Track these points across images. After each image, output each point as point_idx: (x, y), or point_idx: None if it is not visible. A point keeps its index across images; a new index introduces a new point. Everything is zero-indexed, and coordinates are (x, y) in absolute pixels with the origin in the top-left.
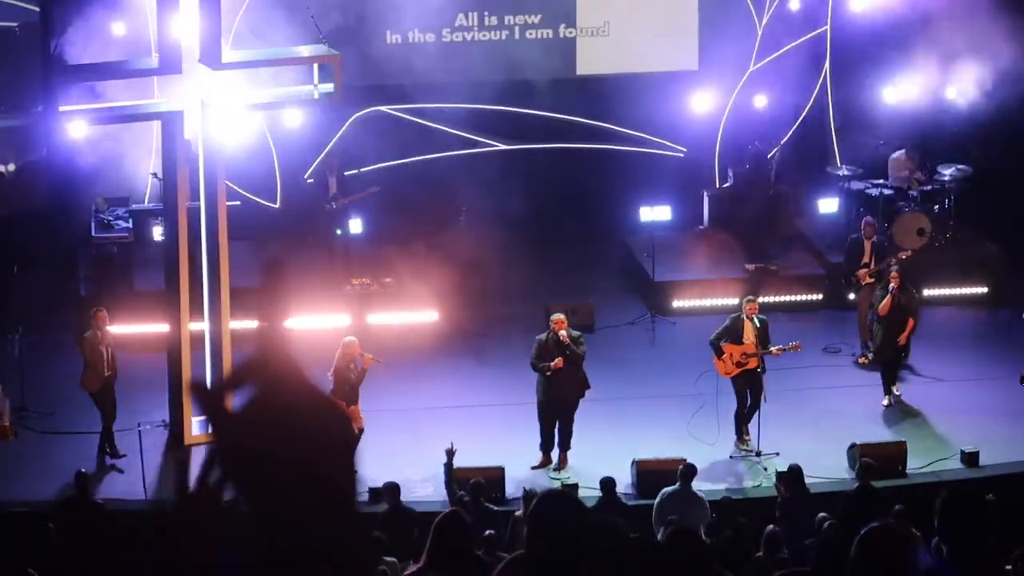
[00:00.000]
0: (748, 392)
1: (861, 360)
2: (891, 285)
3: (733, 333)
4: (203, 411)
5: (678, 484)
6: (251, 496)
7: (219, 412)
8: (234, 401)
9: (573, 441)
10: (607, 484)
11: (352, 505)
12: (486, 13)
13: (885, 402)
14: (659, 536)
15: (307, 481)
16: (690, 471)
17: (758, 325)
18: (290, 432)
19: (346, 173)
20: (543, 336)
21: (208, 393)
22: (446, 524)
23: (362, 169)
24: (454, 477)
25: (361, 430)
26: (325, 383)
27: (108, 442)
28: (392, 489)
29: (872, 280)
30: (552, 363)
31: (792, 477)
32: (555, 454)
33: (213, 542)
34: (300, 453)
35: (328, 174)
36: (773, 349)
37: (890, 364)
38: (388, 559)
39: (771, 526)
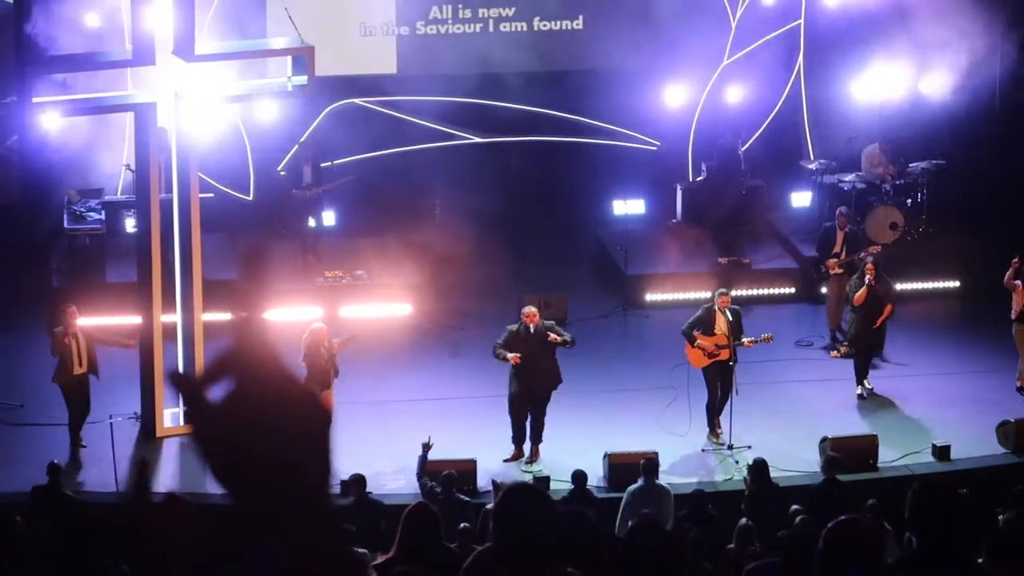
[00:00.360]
0: (719, 384)
1: (833, 354)
2: (867, 278)
3: (705, 324)
4: (182, 401)
5: (642, 479)
6: (228, 486)
7: (198, 402)
8: (213, 392)
9: (545, 434)
10: (579, 477)
11: (327, 497)
12: (460, 6)
13: (859, 391)
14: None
15: (284, 472)
16: (652, 465)
17: (730, 318)
18: (268, 423)
19: (321, 165)
20: (515, 326)
21: (187, 383)
22: (415, 516)
23: (335, 162)
24: (427, 469)
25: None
26: (299, 371)
27: (72, 435)
28: (358, 481)
29: (842, 271)
30: (511, 356)
31: (757, 470)
32: (527, 447)
33: (179, 537)
34: (278, 444)
35: (303, 162)
36: (745, 340)
37: (863, 354)
38: (359, 550)
39: (744, 519)
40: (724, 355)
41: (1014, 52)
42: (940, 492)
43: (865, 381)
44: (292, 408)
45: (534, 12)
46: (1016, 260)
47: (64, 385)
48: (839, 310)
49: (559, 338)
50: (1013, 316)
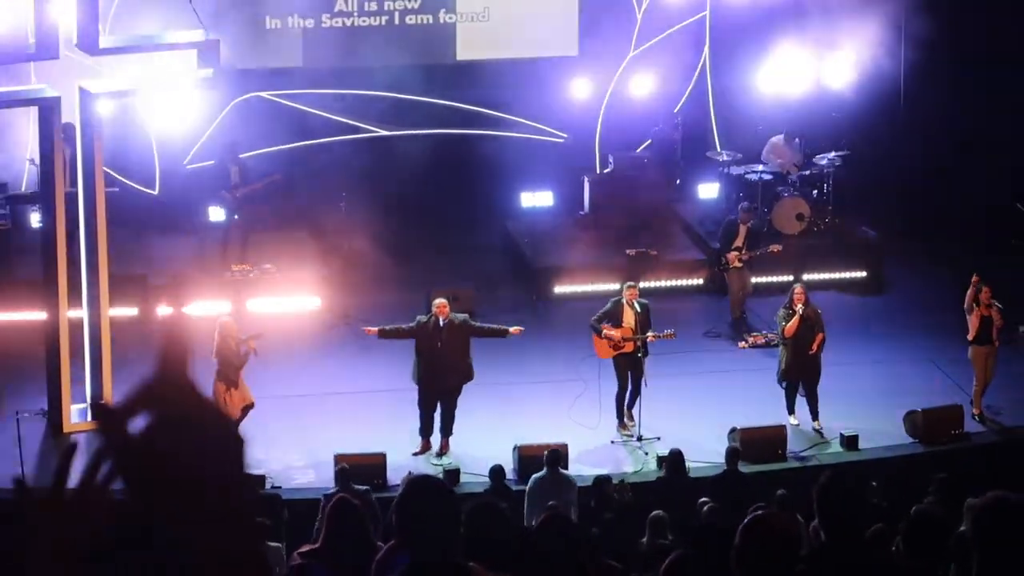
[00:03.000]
0: (629, 375)
1: (741, 344)
2: (797, 307)
3: (613, 317)
4: (101, 416)
5: (545, 469)
6: (137, 490)
7: (120, 420)
8: (131, 405)
9: (455, 426)
10: (496, 472)
11: (238, 493)
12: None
13: (793, 421)
14: (533, 521)
15: (196, 477)
16: (555, 456)
17: (639, 310)
18: (182, 432)
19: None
20: (424, 317)
21: (112, 409)
22: (336, 509)
23: (240, 155)
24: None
25: (251, 405)
26: (209, 366)
27: None
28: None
29: (741, 264)
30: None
31: (672, 461)
32: (437, 440)
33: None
34: (191, 453)
35: (229, 163)
36: (648, 335)
37: (794, 385)
38: (272, 544)
39: (657, 511)
40: (629, 347)
41: (916, 41)
42: (846, 484)
43: (815, 424)
44: (207, 423)
45: (439, 4)
46: (975, 277)
47: None
48: (741, 302)
49: (489, 328)
50: (970, 338)
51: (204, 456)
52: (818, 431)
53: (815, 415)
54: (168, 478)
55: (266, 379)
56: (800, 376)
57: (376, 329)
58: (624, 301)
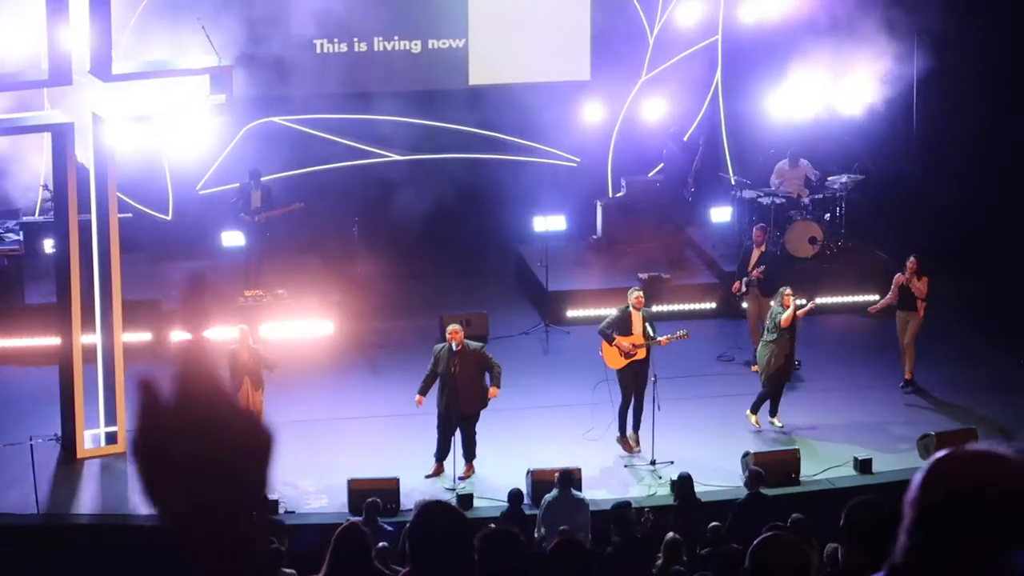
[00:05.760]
0: (634, 387)
1: (754, 368)
2: (792, 302)
3: (622, 325)
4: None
5: (557, 491)
6: (162, 503)
7: (147, 418)
8: (158, 409)
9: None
10: (514, 496)
11: (259, 516)
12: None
13: (779, 424)
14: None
15: (220, 489)
16: (567, 477)
17: (645, 317)
18: (210, 442)
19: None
20: (440, 346)
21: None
22: (344, 536)
23: (262, 179)
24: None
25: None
26: (224, 374)
27: None
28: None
29: (746, 291)
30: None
31: (682, 485)
32: (461, 464)
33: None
34: (217, 463)
35: (252, 188)
36: (661, 339)
37: (782, 385)
38: (287, 571)
39: (671, 533)
40: (641, 354)
41: (928, 63)
42: (877, 510)
43: (774, 420)
44: (234, 429)
45: (452, 30)
46: (912, 260)
47: None
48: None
49: (494, 371)
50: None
51: (226, 443)
52: (780, 427)
53: (775, 411)
54: (189, 466)
55: (279, 403)
56: (786, 375)
57: (420, 397)
58: (631, 308)
